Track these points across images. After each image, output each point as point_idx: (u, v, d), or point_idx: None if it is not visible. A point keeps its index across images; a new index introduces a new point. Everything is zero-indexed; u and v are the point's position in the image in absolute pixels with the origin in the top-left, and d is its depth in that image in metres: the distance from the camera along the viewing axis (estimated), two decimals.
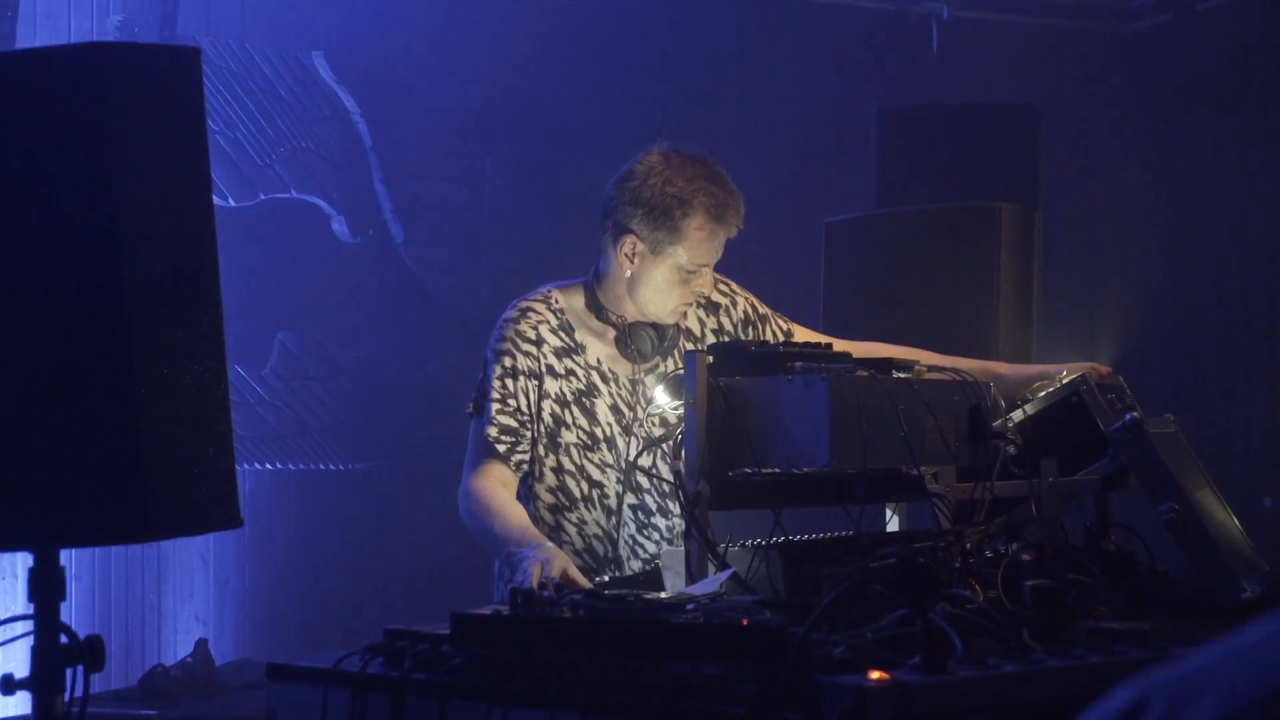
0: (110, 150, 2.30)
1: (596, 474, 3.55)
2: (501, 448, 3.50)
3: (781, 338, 3.72)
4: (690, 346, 3.61)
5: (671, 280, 3.50)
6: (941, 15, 7.92)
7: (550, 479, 3.55)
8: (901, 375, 3.03)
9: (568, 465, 3.54)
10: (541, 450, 3.54)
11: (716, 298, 3.68)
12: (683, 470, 2.90)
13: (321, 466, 6.93)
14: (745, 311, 3.71)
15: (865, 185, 6.29)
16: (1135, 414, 3.12)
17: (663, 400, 3.19)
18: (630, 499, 3.53)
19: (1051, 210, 6.46)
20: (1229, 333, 7.79)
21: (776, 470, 2.88)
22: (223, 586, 6.78)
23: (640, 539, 3.56)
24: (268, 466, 6.78)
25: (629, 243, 3.49)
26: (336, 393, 6.99)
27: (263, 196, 6.73)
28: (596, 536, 3.55)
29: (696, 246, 3.47)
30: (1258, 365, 7.59)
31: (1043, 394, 3.32)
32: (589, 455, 3.55)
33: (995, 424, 3.15)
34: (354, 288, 7.18)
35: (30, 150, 2.31)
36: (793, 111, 7.95)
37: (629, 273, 3.52)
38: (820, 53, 8.02)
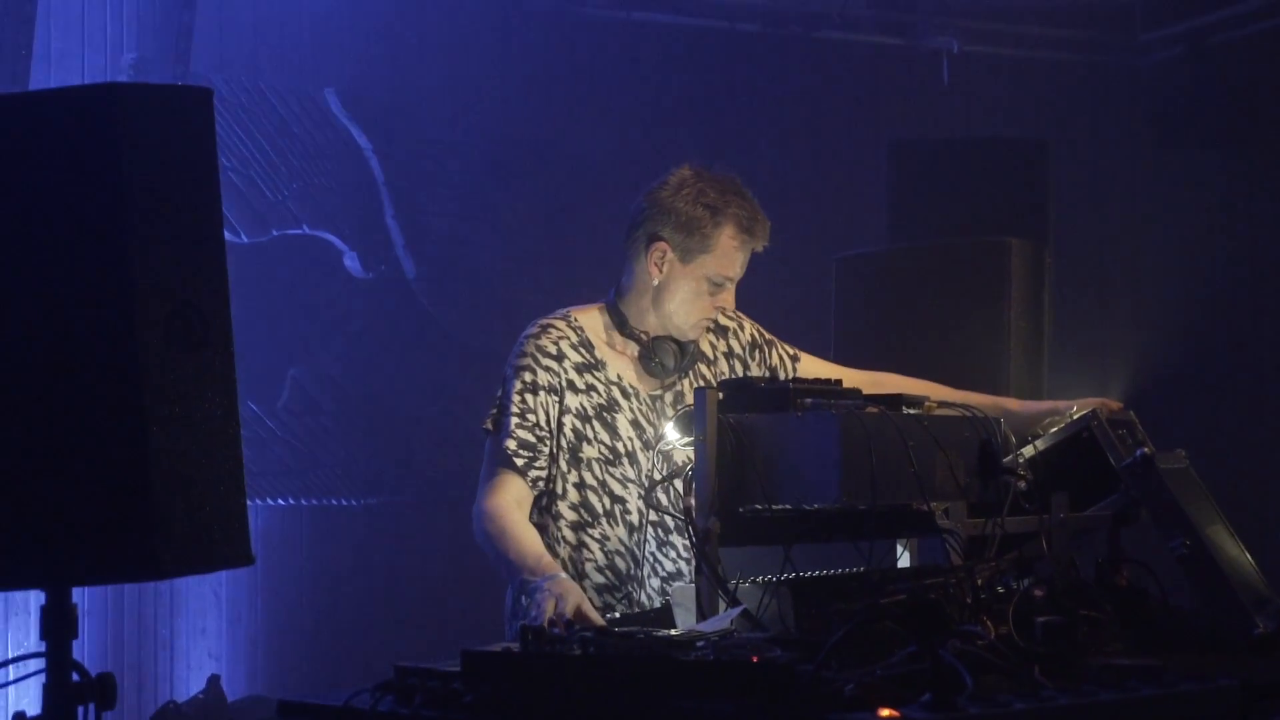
0: (122, 189, 2.31)
1: (618, 489, 3.57)
2: (520, 461, 3.51)
3: (788, 361, 3.79)
4: (704, 369, 3.68)
5: (698, 291, 3.57)
6: (952, 49, 7.94)
7: (573, 495, 3.56)
8: (911, 411, 3.03)
9: (589, 480, 3.56)
10: (564, 466, 3.55)
11: (724, 321, 3.75)
12: (693, 506, 2.90)
13: (334, 502, 6.93)
14: (752, 335, 3.79)
15: (876, 220, 6.31)
16: (1146, 449, 3.12)
17: (673, 436, 3.20)
18: (651, 515, 3.53)
19: (1062, 244, 6.47)
20: (1242, 367, 7.77)
21: (787, 506, 2.88)
22: (235, 623, 6.78)
23: (660, 556, 3.57)
24: (280, 502, 6.79)
25: (659, 250, 3.56)
26: (349, 428, 7.00)
27: (275, 232, 6.75)
28: (619, 552, 3.56)
29: (725, 257, 3.56)
30: (1271, 399, 7.58)
31: (1054, 430, 3.32)
32: (610, 470, 3.57)
33: (1006, 460, 3.15)
34: (366, 323, 7.19)
35: (43, 189, 2.33)
36: (804, 146, 7.97)
37: (657, 281, 3.58)
38: (831, 88, 8.04)
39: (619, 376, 3.62)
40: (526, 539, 3.40)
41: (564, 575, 3.23)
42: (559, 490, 3.55)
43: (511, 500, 3.49)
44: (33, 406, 2.28)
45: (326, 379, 7.02)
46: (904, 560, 3.38)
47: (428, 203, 7.29)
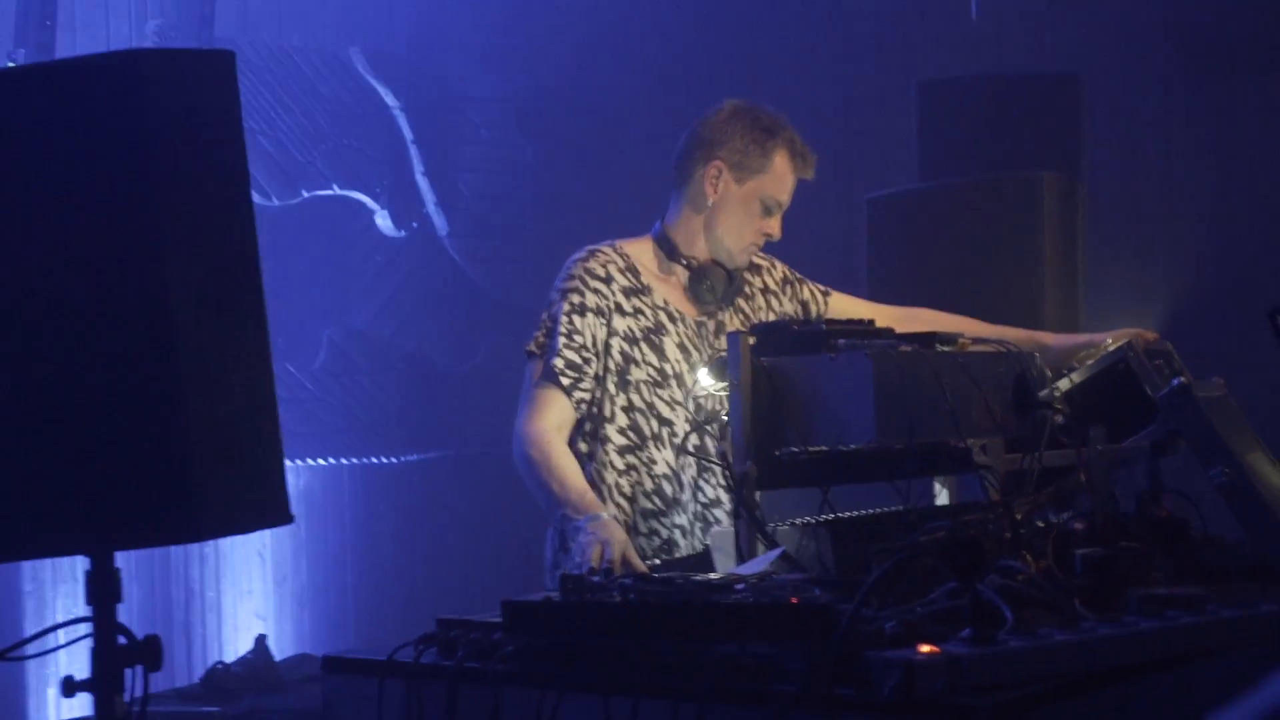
0: (149, 156, 2.32)
1: (666, 411, 3.59)
2: (566, 380, 3.53)
3: (820, 296, 3.85)
4: (743, 303, 3.74)
5: (751, 212, 3.65)
6: None
7: (621, 419, 3.58)
8: (945, 349, 3.02)
9: (638, 403, 3.58)
10: (612, 389, 3.57)
11: (758, 261, 3.81)
12: (729, 451, 2.91)
13: (374, 460, 6.97)
14: (784, 273, 3.87)
15: (907, 159, 6.27)
16: (1183, 379, 3.10)
17: (707, 382, 3.20)
18: (694, 440, 3.55)
19: (1095, 178, 6.42)
20: (1278, 294, 7.71)
21: (823, 448, 2.88)
22: (280, 583, 6.83)
23: (701, 482, 3.59)
24: (321, 462, 6.83)
25: (715, 169, 3.65)
26: (386, 386, 7.03)
27: (305, 194, 6.76)
28: (666, 476, 3.58)
29: (779, 180, 3.65)
30: None
31: (1089, 362, 3.30)
32: (659, 392, 3.59)
33: (1042, 394, 3.14)
34: (400, 281, 7.21)
35: (70, 158, 2.33)
36: (832, 86, 7.92)
37: (711, 201, 3.65)
38: (858, 27, 7.99)
39: (665, 301, 3.65)
40: (570, 471, 3.42)
41: (605, 515, 3.25)
42: (607, 414, 3.57)
43: (553, 425, 3.51)
44: (67, 375, 2.29)
45: (362, 339, 7.05)
46: (942, 498, 3.38)
47: (457, 159, 7.29)
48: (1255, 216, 7.88)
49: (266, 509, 2.42)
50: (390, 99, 7.05)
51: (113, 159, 2.33)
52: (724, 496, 3.52)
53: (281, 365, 6.03)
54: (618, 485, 3.55)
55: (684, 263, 3.68)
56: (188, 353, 2.31)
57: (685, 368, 3.61)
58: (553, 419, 3.52)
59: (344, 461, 6.90)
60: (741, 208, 3.65)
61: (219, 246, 2.42)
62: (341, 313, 7.08)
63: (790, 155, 3.66)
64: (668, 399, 3.59)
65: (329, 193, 6.87)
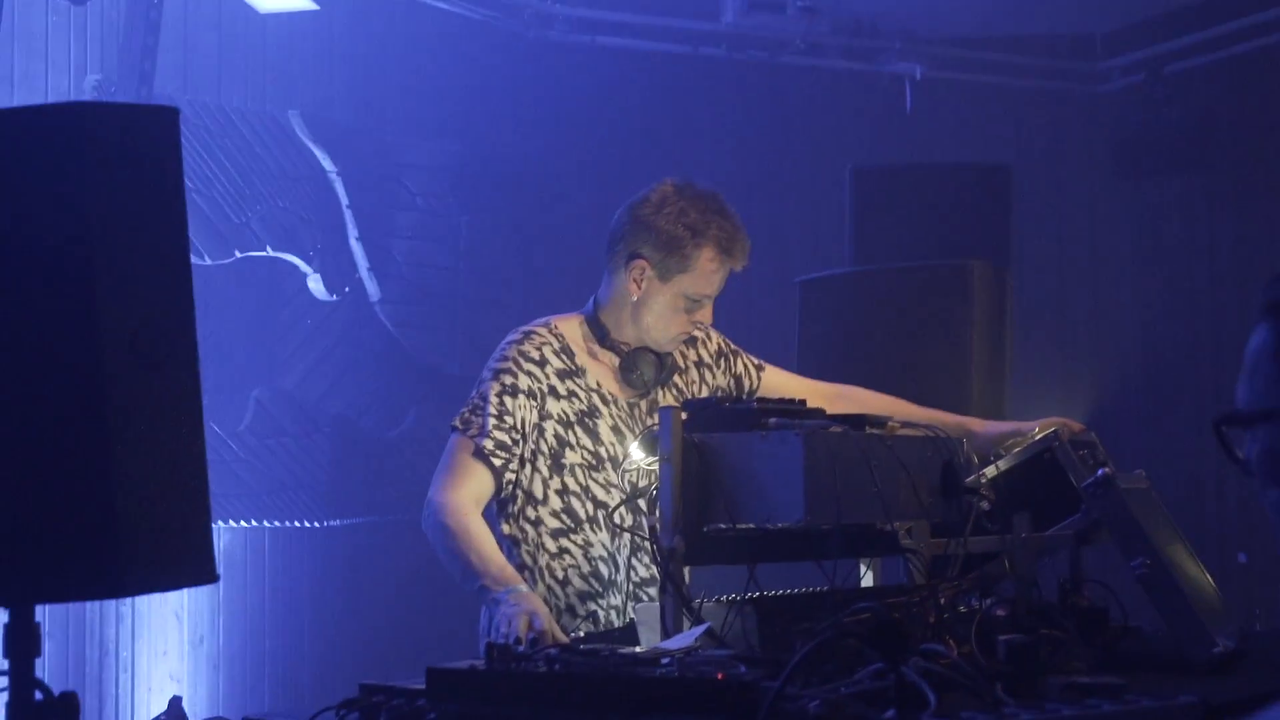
0: (88, 209, 2.31)
1: (601, 494, 3.59)
2: (497, 461, 3.52)
3: (753, 371, 3.85)
4: (677, 379, 3.72)
5: (675, 308, 3.61)
6: (914, 75, 8.00)
7: (555, 501, 3.57)
8: (875, 431, 3.05)
9: (573, 486, 3.57)
10: (545, 471, 3.56)
11: (694, 332, 3.77)
12: (657, 525, 2.91)
13: (297, 523, 6.91)
14: (719, 345, 3.85)
15: (840, 243, 6.33)
16: (1107, 470, 3.13)
17: (638, 456, 3.21)
18: (625, 516, 3.54)
19: (1024, 268, 6.52)
20: (1201, 389, 7.84)
21: (751, 525, 2.89)
22: (197, 645, 6.74)
23: (635, 561, 3.59)
24: (243, 524, 6.76)
25: (639, 267, 3.59)
26: (312, 450, 6.98)
27: (239, 254, 6.73)
28: (602, 558, 3.58)
29: (703, 277, 3.59)
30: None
31: (1016, 450, 3.34)
32: (594, 475, 3.59)
33: (969, 480, 3.17)
34: (330, 345, 7.18)
35: (8, 209, 2.32)
36: (768, 170, 8.01)
37: (635, 297, 3.61)
38: (795, 113, 8.09)
39: (599, 384, 3.65)
40: (488, 544, 3.41)
41: (525, 588, 3.24)
42: (540, 496, 3.56)
43: (471, 498, 3.50)
44: None
45: (289, 401, 7.00)
46: (867, 580, 3.40)
47: (392, 225, 7.29)
48: (1177, 312, 8.01)
49: (192, 566, 2.39)
50: (327, 163, 7.05)
51: (52, 209, 2.31)
52: (657, 575, 3.52)
53: (207, 425, 5.98)
54: (549, 568, 3.55)
55: (615, 347, 3.67)
56: (118, 406, 2.29)
57: (619, 450, 3.61)
58: (471, 493, 3.51)
59: (267, 524, 6.83)
60: (667, 303, 3.61)
61: (155, 301, 2.40)
62: (270, 374, 7.04)
63: (717, 252, 3.58)
64: (602, 481, 3.59)
65: (262, 254, 6.85)
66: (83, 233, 2.31)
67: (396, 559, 6.84)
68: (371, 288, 7.18)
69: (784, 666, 2.27)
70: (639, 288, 3.60)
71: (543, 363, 3.61)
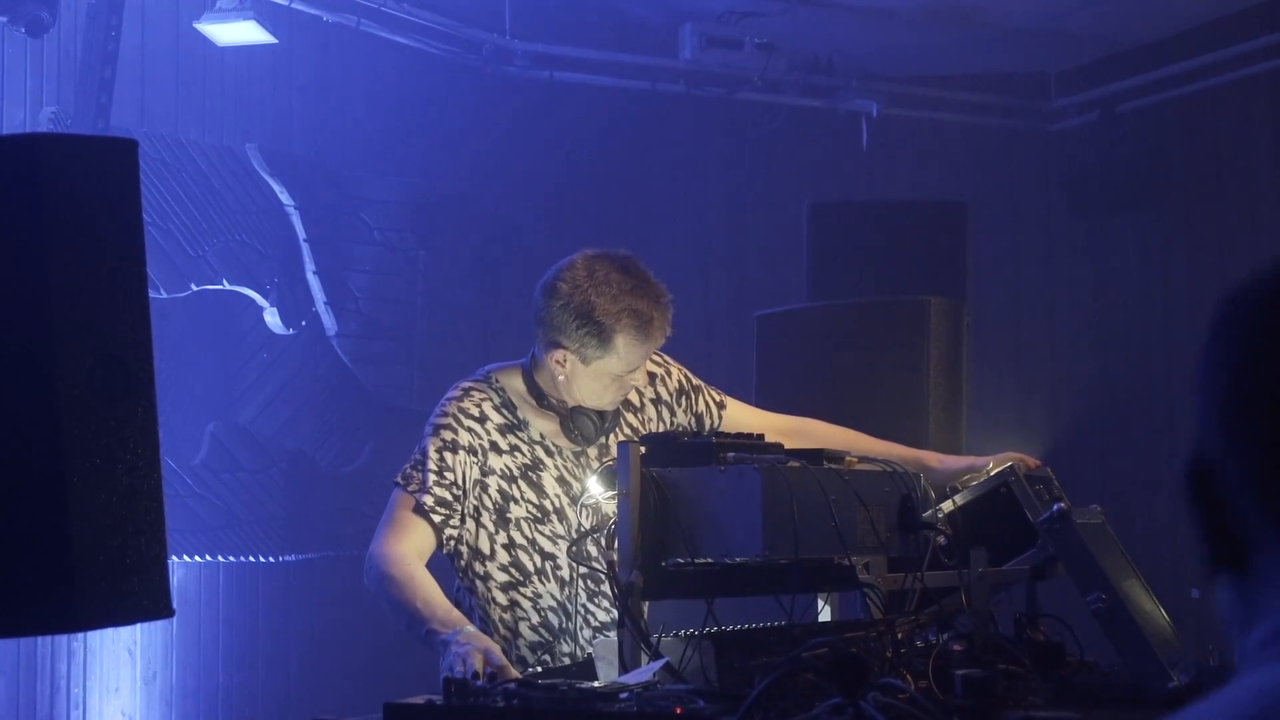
0: (45, 241, 2.30)
1: (549, 546, 3.57)
2: (437, 518, 3.50)
3: (714, 408, 3.80)
4: (630, 417, 3.68)
5: (604, 383, 3.55)
6: (871, 113, 8.06)
7: (502, 555, 3.55)
8: (832, 466, 3.05)
9: (519, 540, 3.56)
10: (491, 526, 3.55)
11: (652, 368, 3.73)
12: (615, 560, 2.91)
13: (251, 559, 6.87)
14: (679, 381, 3.80)
15: (798, 278, 6.36)
16: (1063, 505, 3.15)
17: (596, 490, 3.21)
18: (581, 569, 3.53)
19: (980, 304, 6.55)
20: (1155, 424, 7.89)
21: (709, 560, 2.89)
22: (150, 681, 6.68)
23: (591, 607, 3.57)
24: (197, 559, 6.72)
25: (560, 354, 3.52)
26: (268, 484, 6.95)
27: (195, 288, 6.71)
28: (551, 609, 3.56)
29: (624, 358, 3.51)
30: (1184, 455, 7.67)
31: (972, 485, 3.35)
32: (540, 528, 3.57)
33: (925, 515, 3.18)
34: (286, 379, 7.15)
35: None
36: (726, 206, 8.04)
37: (561, 377, 3.55)
38: (753, 149, 8.13)
39: (541, 435, 3.63)
40: (434, 590, 3.39)
41: (473, 628, 3.23)
42: (487, 551, 3.55)
43: (414, 550, 3.48)
44: None
45: (245, 435, 6.97)
46: (825, 614, 3.40)
47: (349, 259, 7.28)
48: (1132, 348, 8.08)
49: (147, 600, 2.38)
50: (285, 197, 7.03)
51: (8, 242, 2.30)
52: (614, 619, 3.51)
53: (162, 459, 5.95)
54: (501, 620, 3.55)
55: (553, 407, 3.61)
56: (74, 439, 2.28)
57: (565, 501, 3.58)
58: (414, 545, 3.48)
59: (221, 559, 6.79)
60: (594, 380, 3.54)
61: (111, 334, 2.39)
62: (225, 408, 7.00)
63: (635, 334, 3.46)
64: (549, 534, 3.57)
65: (219, 287, 6.83)
66: (40, 265, 2.30)
67: (352, 594, 6.79)
68: (328, 321, 7.16)
69: (743, 701, 2.27)
70: (563, 370, 3.53)
71: (483, 419, 3.58)
